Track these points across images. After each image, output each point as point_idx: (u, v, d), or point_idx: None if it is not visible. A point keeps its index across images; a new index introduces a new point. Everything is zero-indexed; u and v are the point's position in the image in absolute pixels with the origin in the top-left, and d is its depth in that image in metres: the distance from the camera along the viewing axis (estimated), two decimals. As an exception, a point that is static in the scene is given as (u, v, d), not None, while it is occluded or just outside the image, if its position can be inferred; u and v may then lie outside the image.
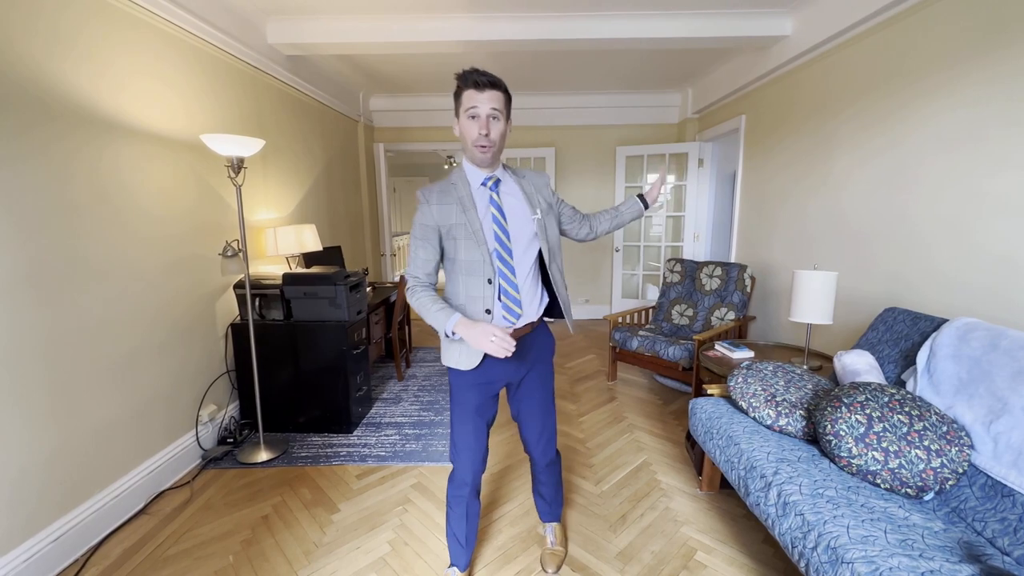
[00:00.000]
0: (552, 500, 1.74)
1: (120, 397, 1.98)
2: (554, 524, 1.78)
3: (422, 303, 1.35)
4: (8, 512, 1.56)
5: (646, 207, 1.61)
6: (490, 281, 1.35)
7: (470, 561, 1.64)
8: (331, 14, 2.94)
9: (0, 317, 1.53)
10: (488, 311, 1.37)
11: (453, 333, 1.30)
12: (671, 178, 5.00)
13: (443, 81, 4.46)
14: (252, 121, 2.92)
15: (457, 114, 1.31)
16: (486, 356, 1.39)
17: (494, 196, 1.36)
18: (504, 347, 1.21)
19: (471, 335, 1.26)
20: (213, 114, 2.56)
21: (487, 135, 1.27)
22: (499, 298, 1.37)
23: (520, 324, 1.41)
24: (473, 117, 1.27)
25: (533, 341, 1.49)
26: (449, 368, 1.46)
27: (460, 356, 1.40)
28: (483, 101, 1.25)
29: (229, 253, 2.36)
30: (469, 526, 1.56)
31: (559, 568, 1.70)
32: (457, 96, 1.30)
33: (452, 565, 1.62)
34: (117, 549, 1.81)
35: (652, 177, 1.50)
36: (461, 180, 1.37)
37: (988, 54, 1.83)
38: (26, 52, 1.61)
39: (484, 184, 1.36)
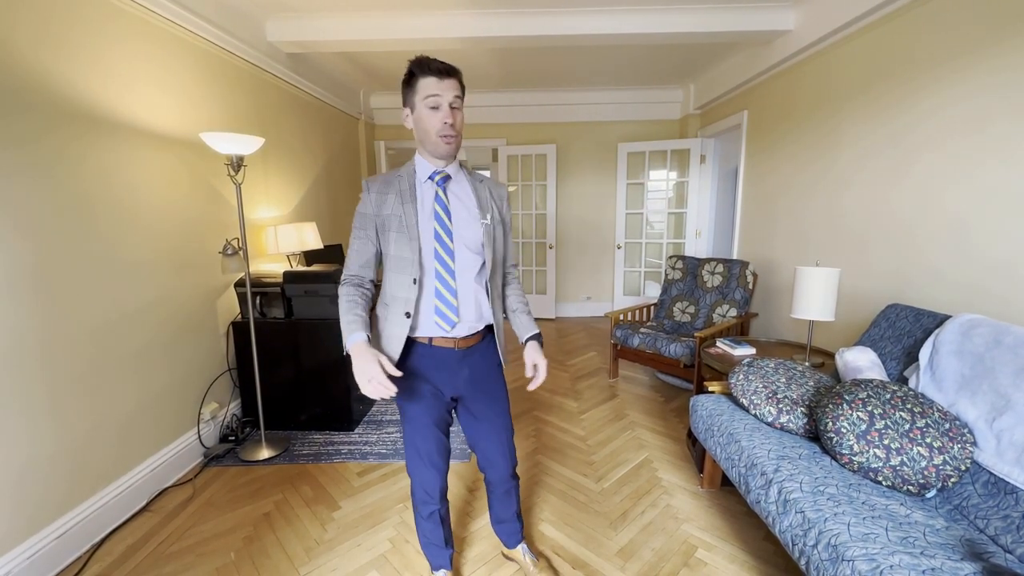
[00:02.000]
0: (517, 521, 1.62)
1: (121, 396, 1.99)
2: (524, 544, 1.67)
3: (342, 305, 1.26)
4: (12, 509, 1.57)
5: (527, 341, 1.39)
6: (415, 281, 1.25)
7: (453, 559, 1.61)
8: (331, 11, 2.93)
9: (4, 316, 1.54)
10: (408, 314, 1.26)
11: (347, 354, 1.20)
12: (673, 175, 4.98)
13: (444, 78, 4.44)
14: (252, 119, 2.92)
15: (409, 104, 1.22)
16: (415, 355, 1.32)
17: (440, 192, 1.27)
18: (381, 391, 1.13)
19: (356, 365, 1.16)
20: (213, 112, 2.55)
21: (452, 124, 1.19)
22: (435, 300, 1.28)
23: (457, 332, 1.30)
24: (435, 107, 1.19)
25: (479, 354, 1.37)
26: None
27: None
28: (444, 90, 1.17)
29: (229, 251, 2.36)
30: (445, 529, 1.51)
31: None
32: (410, 84, 1.20)
33: (438, 568, 1.56)
34: (120, 546, 1.82)
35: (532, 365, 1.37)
36: (407, 172, 1.30)
37: (993, 47, 1.81)
38: (28, 53, 1.61)
39: (431, 178, 1.27)
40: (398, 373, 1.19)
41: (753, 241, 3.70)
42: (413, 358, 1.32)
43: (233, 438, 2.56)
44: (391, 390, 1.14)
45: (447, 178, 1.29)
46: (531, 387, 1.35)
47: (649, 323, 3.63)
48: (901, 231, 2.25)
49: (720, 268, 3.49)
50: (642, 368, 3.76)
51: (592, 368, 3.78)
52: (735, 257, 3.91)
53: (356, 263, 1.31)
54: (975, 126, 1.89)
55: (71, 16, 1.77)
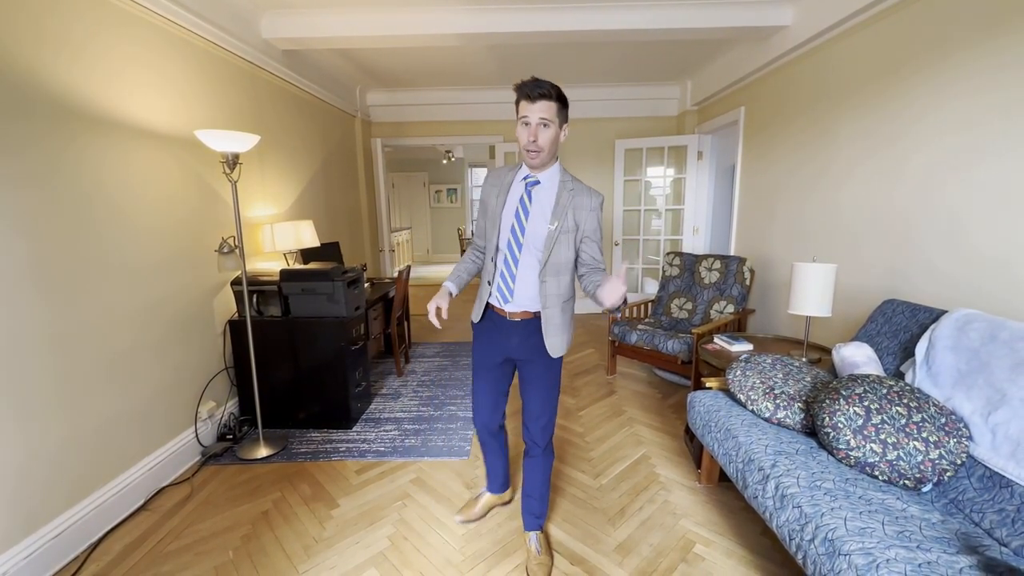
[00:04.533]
0: (539, 503, 1.74)
1: (119, 394, 1.98)
2: (537, 533, 1.75)
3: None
4: (9, 509, 1.56)
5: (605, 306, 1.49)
6: (492, 258, 1.58)
7: (504, 486, 1.97)
8: (326, 8, 2.92)
9: (1, 316, 1.54)
10: (489, 283, 1.60)
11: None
12: (670, 171, 4.98)
13: (441, 75, 4.43)
14: (248, 117, 2.90)
15: (517, 120, 1.46)
16: (486, 317, 1.64)
17: (524, 195, 1.52)
18: (434, 321, 1.53)
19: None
20: (208, 110, 2.54)
21: (535, 141, 1.40)
22: (498, 280, 1.56)
23: (509, 307, 1.57)
24: (525, 125, 1.41)
25: (529, 331, 1.58)
26: (472, 322, 1.71)
27: (475, 309, 1.67)
28: (534, 111, 1.38)
29: (225, 250, 2.35)
30: (491, 459, 1.88)
31: None
32: (516, 104, 1.44)
33: (486, 489, 1.98)
34: (117, 546, 1.82)
35: (612, 288, 1.29)
36: (516, 169, 1.58)
37: (988, 42, 1.81)
38: (21, 51, 1.59)
39: (524, 179, 1.53)
40: (445, 318, 1.55)
41: (750, 237, 3.71)
42: (484, 318, 1.65)
43: (231, 437, 2.55)
44: (436, 324, 1.53)
45: (536, 183, 1.52)
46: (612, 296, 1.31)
47: (647, 320, 3.64)
48: (897, 227, 2.26)
49: (717, 264, 3.49)
50: (640, 365, 3.77)
51: (590, 365, 3.79)
52: (732, 253, 3.92)
53: (477, 234, 1.73)
54: (970, 122, 1.89)
55: (63, 13, 1.76)
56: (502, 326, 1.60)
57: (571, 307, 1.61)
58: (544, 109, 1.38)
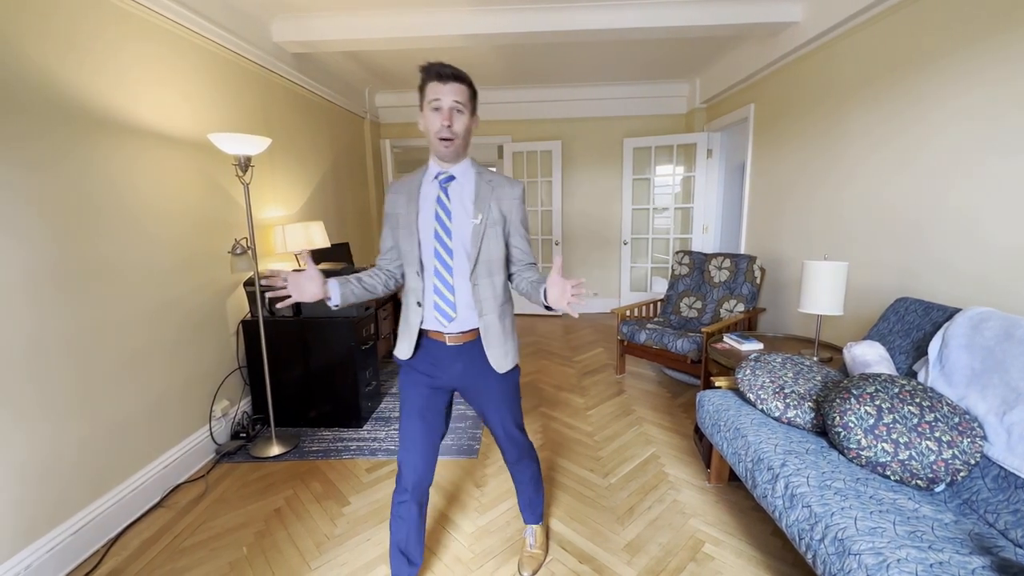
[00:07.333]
0: (530, 501, 1.70)
1: (136, 394, 2.03)
2: (534, 526, 1.74)
3: None
4: (33, 505, 1.61)
5: (547, 308, 1.33)
6: (418, 273, 1.35)
7: (419, 560, 1.47)
8: (335, 11, 2.94)
9: (24, 317, 1.58)
10: (419, 303, 1.36)
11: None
12: (679, 169, 4.95)
13: (448, 76, 4.45)
14: (259, 119, 2.94)
15: (421, 107, 1.29)
16: (420, 349, 1.40)
17: (441, 194, 1.33)
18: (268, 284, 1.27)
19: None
20: (220, 113, 2.58)
21: (449, 127, 1.24)
22: (433, 296, 1.34)
23: (455, 328, 1.36)
24: (436, 109, 1.24)
25: (474, 353, 1.39)
26: (396, 359, 1.44)
27: (400, 343, 1.42)
28: (446, 93, 1.23)
29: (238, 251, 2.39)
30: (411, 539, 1.43)
31: (535, 572, 1.65)
32: (421, 89, 1.27)
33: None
34: (135, 541, 1.86)
35: (556, 286, 1.26)
36: (421, 172, 1.39)
37: (999, 36, 1.78)
38: (41, 58, 1.64)
39: (436, 178, 1.34)
40: (283, 283, 1.27)
41: (761, 235, 3.67)
42: (417, 348, 1.40)
43: (244, 435, 2.59)
44: (280, 287, 1.27)
45: (451, 179, 1.34)
46: (571, 291, 1.20)
47: (656, 319, 3.63)
48: (909, 224, 2.23)
49: (727, 263, 3.47)
50: (649, 364, 3.75)
51: (599, 364, 3.78)
52: (742, 252, 3.88)
53: (381, 253, 1.48)
54: (983, 117, 1.86)
55: (77, 19, 1.80)
56: (441, 356, 1.39)
57: (509, 311, 1.44)
58: (457, 92, 1.23)
